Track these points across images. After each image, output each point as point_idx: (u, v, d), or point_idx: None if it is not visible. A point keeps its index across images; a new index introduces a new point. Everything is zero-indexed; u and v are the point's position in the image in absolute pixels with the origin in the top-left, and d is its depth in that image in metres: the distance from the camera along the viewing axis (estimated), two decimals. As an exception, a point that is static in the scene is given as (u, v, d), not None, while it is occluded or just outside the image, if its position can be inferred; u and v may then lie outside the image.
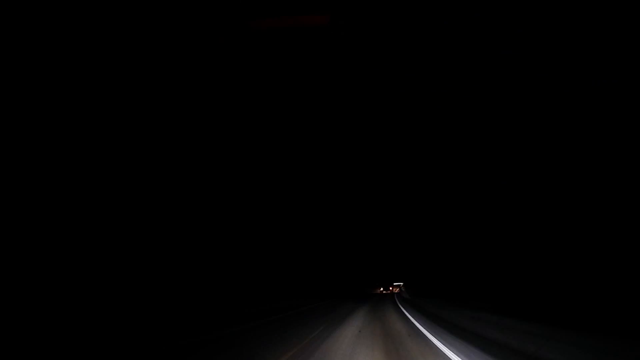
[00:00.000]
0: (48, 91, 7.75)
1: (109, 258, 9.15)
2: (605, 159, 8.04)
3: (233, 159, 15.96)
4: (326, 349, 5.84)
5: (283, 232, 23.83)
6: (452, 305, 13.43)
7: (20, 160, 7.24)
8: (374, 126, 18.81)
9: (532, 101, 9.50)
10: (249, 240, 18.11)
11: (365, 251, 59.06)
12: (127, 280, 9.23)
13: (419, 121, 16.13)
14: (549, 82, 8.61)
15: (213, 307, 12.28)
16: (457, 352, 5.30)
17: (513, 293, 11.91)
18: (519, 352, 5.10)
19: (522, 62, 8.87)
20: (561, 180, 9.69)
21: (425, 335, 7.42)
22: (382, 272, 71.18)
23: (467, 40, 9.35)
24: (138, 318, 8.56)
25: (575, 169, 9.05)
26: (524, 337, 5.70)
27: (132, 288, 9.30)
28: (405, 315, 12.80)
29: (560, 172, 9.68)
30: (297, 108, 15.42)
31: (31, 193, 7.42)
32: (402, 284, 65.48)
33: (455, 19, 8.86)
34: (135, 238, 9.88)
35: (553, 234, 10.21)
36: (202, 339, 7.24)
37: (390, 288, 72.70)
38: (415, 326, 9.11)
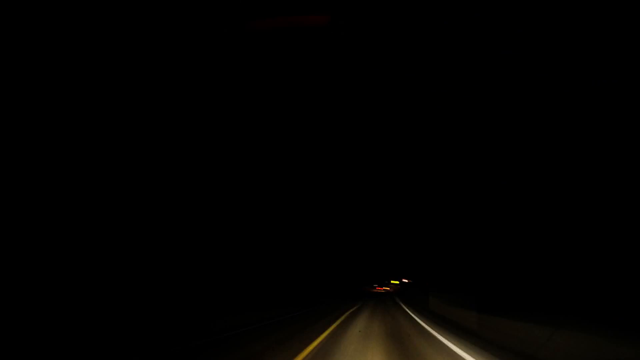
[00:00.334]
0: (47, 91, 7.70)
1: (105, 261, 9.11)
2: (605, 159, 8.05)
3: (230, 158, 15.92)
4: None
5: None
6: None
7: (20, 160, 7.19)
8: (373, 125, 18.83)
9: (532, 101, 9.51)
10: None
11: (359, 247, 57.49)
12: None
13: (419, 121, 16.15)
14: (549, 82, 8.61)
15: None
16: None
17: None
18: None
19: (522, 62, 8.88)
20: (561, 180, 9.71)
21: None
22: (379, 269, 69.63)
23: (467, 40, 9.35)
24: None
25: (575, 169, 9.06)
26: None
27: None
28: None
29: (560, 172, 9.70)
30: (296, 108, 15.41)
31: (31, 193, 7.38)
32: (398, 282, 64.32)
33: (455, 19, 8.85)
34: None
35: (549, 233, 10.23)
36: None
37: (387, 288, 69.06)
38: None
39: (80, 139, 8.60)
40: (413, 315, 13.92)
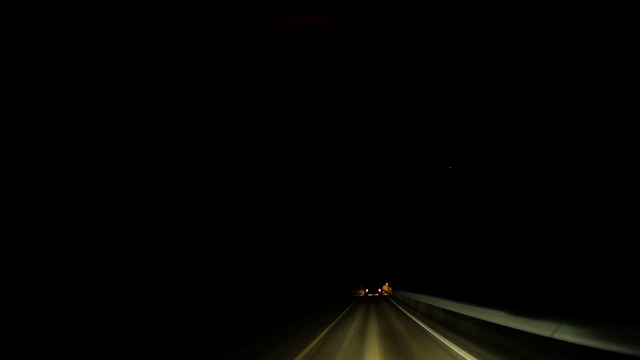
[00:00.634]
0: (46, 91, 7.70)
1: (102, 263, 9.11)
2: (605, 159, 8.05)
3: (230, 158, 15.92)
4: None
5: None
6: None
7: (20, 160, 7.19)
8: (373, 125, 18.83)
9: (532, 101, 9.50)
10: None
11: (350, 252, 49.15)
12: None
13: (418, 121, 16.14)
14: (549, 82, 8.61)
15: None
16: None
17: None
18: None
19: (522, 62, 8.87)
20: (560, 180, 9.71)
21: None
22: (367, 270, 55.32)
23: (467, 41, 9.35)
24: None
25: (574, 169, 9.06)
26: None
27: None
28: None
29: (559, 172, 9.70)
30: (295, 108, 15.40)
31: (32, 193, 7.37)
32: (388, 286, 53.38)
33: (455, 19, 8.86)
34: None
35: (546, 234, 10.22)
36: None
37: (379, 290, 53.03)
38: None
39: (82, 138, 8.60)
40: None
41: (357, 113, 16.50)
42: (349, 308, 20.44)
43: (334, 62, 11.36)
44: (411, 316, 13.15)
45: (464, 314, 7.94)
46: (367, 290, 49.63)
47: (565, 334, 3.91)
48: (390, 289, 49.31)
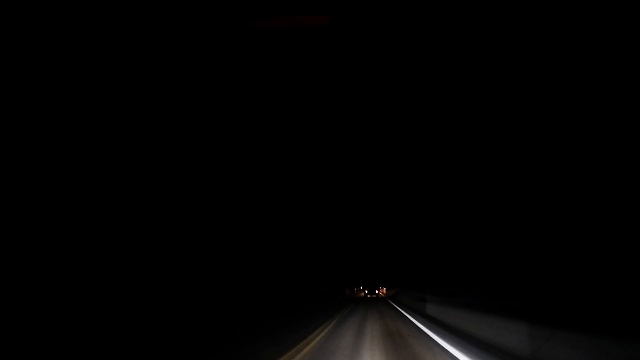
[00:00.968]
0: (46, 91, 7.69)
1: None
2: (605, 159, 8.05)
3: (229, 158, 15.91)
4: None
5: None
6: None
7: (20, 160, 7.18)
8: (372, 126, 18.81)
9: (531, 101, 9.51)
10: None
11: (345, 251, 47.72)
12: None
13: (418, 122, 16.12)
14: (549, 82, 8.61)
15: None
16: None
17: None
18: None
19: (522, 62, 8.87)
20: (560, 180, 9.71)
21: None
22: (366, 274, 54.97)
23: (467, 41, 9.35)
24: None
25: (574, 169, 9.07)
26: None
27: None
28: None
29: (559, 172, 9.70)
30: (295, 108, 15.40)
31: (32, 194, 7.36)
32: (387, 288, 52.83)
33: (455, 19, 8.85)
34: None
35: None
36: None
37: (377, 291, 53.52)
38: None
39: (80, 139, 8.58)
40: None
41: (357, 114, 16.49)
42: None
43: (334, 62, 11.35)
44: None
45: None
46: (366, 292, 50.33)
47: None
48: (388, 291, 48.89)
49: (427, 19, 9.13)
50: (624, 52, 6.91)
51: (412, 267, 36.91)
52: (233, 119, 13.99)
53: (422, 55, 10.88)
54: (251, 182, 18.39)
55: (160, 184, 11.58)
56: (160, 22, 8.69)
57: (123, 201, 9.90)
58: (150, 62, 9.59)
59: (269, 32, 9.60)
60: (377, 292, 50.83)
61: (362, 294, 50.35)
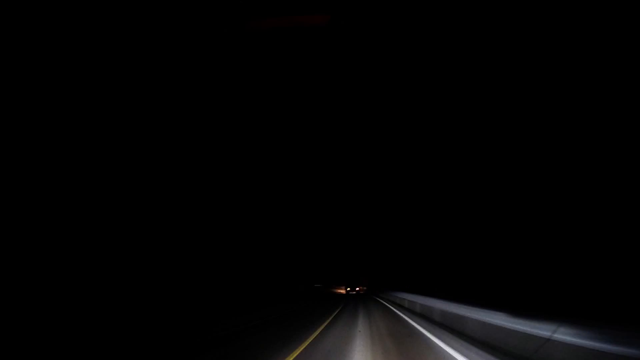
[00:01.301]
0: (47, 91, 7.70)
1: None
2: (605, 159, 8.04)
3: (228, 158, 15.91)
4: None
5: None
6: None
7: (20, 160, 7.18)
8: (371, 126, 18.81)
9: (531, 101, 9.49)
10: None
11: (331, 252, 53.08)
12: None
13: (417, 122, 16.12)
14: (549, 82, 8.61)
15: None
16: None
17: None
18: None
19: (522, 62, 8.87)
20: (559, 180, 9.69)
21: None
22: (348, 272, 60.80)
23: (467, 40, 9.35)
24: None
25: (574, 169, 9.05)
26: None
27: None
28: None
29: (558, 172, 9.68)
30: (291, 106, 15.40)
31: (33, 194, 7.37)
32: (366, 285, 57.62)
33: (455, 19, 8.85)
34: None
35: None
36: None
37: (357, 289, 57.48)
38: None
39: (81, 139, 8.60)
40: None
41: (355, 112, 16.50)
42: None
43: (334, 62, 11.36)
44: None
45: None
46: (348, 289, 56.90)
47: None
48: (365, 288, 56.31)
49: (427, 19, 9.13)
50: (623, 52, 6.91)
51: (383, 271, 41.42)
52: (232, 117, 14.00)
53: (422, 54, 10.88)
54: (240, 177, 18.33)
55: (148, 178, 11.57)
56: (161, 22, 8.70)
57: (107, 194, 9.90)
58: (151, 62, 9.60)
59: (269, 32, 9.61)
60: (357, 289, 57.56)
61: (345, 290, 57.23)
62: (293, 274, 36.46)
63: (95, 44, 8.17)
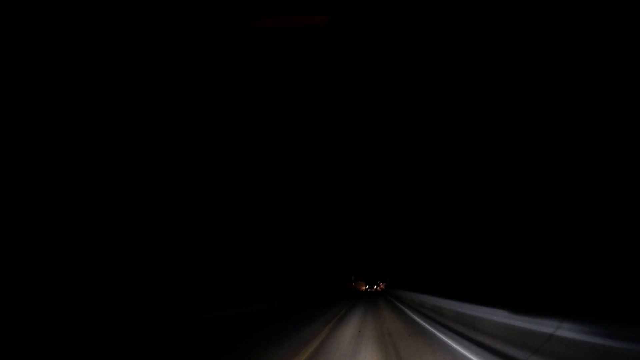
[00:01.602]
0: (46, 91, 7.68)
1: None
2: (604, 160, 8.07)
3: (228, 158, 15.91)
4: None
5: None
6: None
7: (20, 160, 7.17)
8: (370, 126, 18.84)
9: (531, 101, 9.53)
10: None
11: (352, 252, 54.82)
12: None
13: (417, 122, 16.15)
14: (549, 82, 8.64)
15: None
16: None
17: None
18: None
19: (522, 62, 8.90)
20: (559, 181, 9.72)
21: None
22: (368, 271, 63.51)
23: (467, 40, 9.38)
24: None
25: (573, 169, 9.08)
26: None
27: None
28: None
29: (558, 172, 9.71)
30: (295, 108, 15.42)
31: (31, 193, 7.35)
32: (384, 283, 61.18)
33: (455, 19, 8.88)
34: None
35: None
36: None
37: (375, 286, 61.94)
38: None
39: (80, 138, 8.58)
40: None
41: (357, 112, 16.53)
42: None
43: (334, 62, 11.38)
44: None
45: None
46: (367, 287, 61.69)
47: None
48: (384, 286, 60.38)
49: (427, 18, 9.16)
50: (624, 52, 6.94)
51: (401, 270, 41.50)
52: (234, 117, 14.00)
53: (422, 54, 10.91)
54: (251, 179, 18.39)
55: (161, 181, 11.58)
56: (162, 22, 8.71)
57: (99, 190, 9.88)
58: (152, 62, 9.60)
59: (270, 32, 9.63)
60: (375, 287, 60.83)
61: (364, 287, 60.28)
62: (321, 274, 39.10)
63: (94, 43, 8.16)
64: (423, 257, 26.64)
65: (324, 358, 5.32)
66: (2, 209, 6.79)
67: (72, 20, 7.50)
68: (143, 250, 10.56)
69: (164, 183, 11.79)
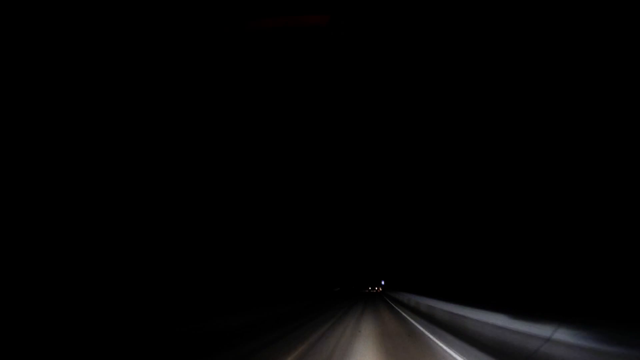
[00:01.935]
0: (47, 92, 7.70)
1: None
2: (604, 160, 8.03)
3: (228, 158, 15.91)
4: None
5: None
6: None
7: (20, 160, 7.18)
8: (370, 127, 18.78)
9: (531, 101, 9.49)
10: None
11: (354, 256, 59.82)
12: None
13: (416, 122, 16.11)
14: (549, 82, 8.60)
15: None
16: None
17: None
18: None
19: (522, 62, 8.86)
20: (559, 181, 9.68)
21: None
22: (369, 273, 71.44)
23: (467, 40, 9.34)
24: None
25: (573, 169, 9.03)
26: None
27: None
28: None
29: (558, 172, 9.67)
30: (295, 108, 15.39)
31: (32, 193, 7.37)
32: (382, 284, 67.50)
33: (455, 19, 8.85)
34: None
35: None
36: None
37: (375, 288, 69.75)
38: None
39: (81, 139, 8.60)
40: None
41: (357, 112, 16.49)
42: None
43: (334, 62, 11.35)
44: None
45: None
46: (369, 288, 71.21)
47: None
48: (381, 289, 67.98)
49: (427, 18, 9.13)
50: (624, 52, 6.90)
51: (398, 273, 44.42)
52: (234, 117, 14.00)
53: (422, 54, 10.87)
54: (253, 181, 18.40)
55: (162, 181, 11.59)
56: (162, 21, 8.70)
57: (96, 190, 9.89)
58: (152, 62, 9.60)
59: (270, 32, 9.61)
60: (375, 289, 69.79)
61: (366, 290, 69.22)
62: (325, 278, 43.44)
63: (94, 43, 8.16)
64: (422, 258, 26.73)
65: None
66: (5, 211, 6.81)
67: (72, 21, 7.51)
68: (154, 259, 10.60)
69: (173, 189, 11.81)
